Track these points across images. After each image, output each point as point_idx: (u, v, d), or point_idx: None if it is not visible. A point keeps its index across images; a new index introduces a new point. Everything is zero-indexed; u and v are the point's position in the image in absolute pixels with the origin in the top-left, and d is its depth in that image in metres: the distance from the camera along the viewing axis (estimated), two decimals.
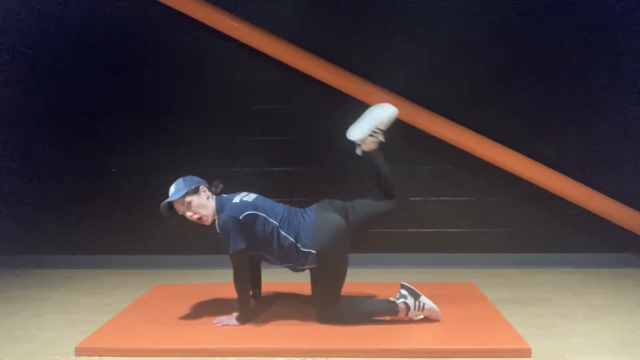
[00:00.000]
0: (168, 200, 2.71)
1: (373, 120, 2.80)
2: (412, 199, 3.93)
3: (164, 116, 4.02)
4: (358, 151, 2.87)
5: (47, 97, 4.06)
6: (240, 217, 2.65)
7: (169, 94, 4.01)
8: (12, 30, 4.03)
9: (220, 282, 3.43)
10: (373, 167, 2.86)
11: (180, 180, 2.74)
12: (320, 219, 2.70)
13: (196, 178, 2.79)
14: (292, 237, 2.67)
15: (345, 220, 2.72)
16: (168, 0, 3.81)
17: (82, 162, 4.08)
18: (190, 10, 3.80)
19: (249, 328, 2.70)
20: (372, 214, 2.82)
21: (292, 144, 3.99)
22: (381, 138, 2.82)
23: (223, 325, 2.72)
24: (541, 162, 3.75)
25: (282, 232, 2.68)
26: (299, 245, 2.66)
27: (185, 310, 2.98)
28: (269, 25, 3.81)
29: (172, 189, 2.73)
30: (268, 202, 2.80)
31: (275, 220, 2.69)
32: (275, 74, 3.90)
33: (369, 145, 2.82)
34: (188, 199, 2.69)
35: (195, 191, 2.72)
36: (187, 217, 2.73)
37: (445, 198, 3.96)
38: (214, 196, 2.79)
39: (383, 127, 2.81)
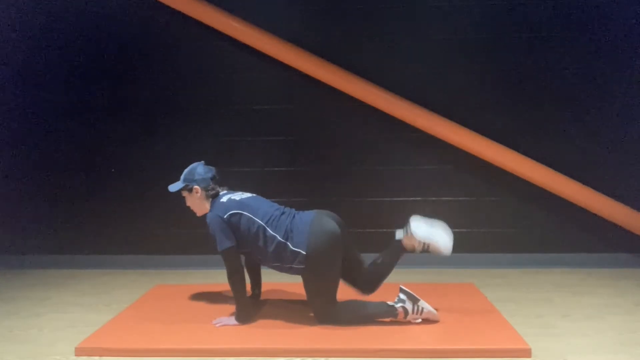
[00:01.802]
0: (169, 188, 2.88)
1: (434, 239, 2.77)
2: (412, 199, 3.94)
3: (164, 116, 4.02)
4: (398, 235, 2.87)
5: (47, 97, 4.06)
6: (225, 217, 2.68)
7: (169, 94, 4.01)
8: (12, 30, 4.03)
9: (220, 282, 3.42)
10: (387, 257, 2.86)
11: (189, 169, 2.88)
12: (317, 221, 2.69)
13: (202, 174, 2.83)
14: (280, 236, 2.67)
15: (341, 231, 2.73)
16: (168, 1, 3.81)
17: (82, 162, 4.08)
18: (191, 11, 3.80)
19: (249, 328, 2.70)
20: (351, 259, 2.81)
21: (292, 144, 3.99)
22: (418, 250, 2.82)
23: (223, 325, 2.72)
24: (541, 162, 3.75)
25: (269, 230, 2.68)
26: (288, 243, 2.66)
27: (185, 310, 2.98)
28: (269, 25, 3.82)
29: (185, 171, 2.88)
30: (258, 202, 2.81)
31: (262, 220, 2.70)
32: (275, 74, 3.90)
33: (410, 242, 2.81)
34: (183, 194, 2.88)
35: (189, 190, 2.83)
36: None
37: (445, 198, 3.96)
38: (208, 197, 2.83)
39: (428, 250, 2.80)
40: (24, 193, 4.14)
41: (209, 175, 2.84)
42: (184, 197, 2.89)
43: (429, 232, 2.79)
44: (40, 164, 4.11)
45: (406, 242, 2.83)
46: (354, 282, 2.86)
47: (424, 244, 2.79)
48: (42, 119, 4.08)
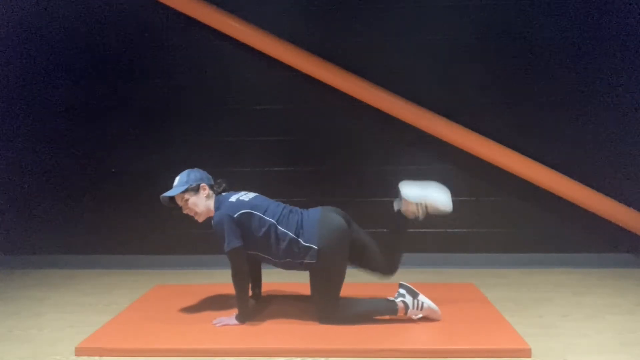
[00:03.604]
0: (168, 194, 2.76)
1: (429, 198, 2.76)
2: None
3: (164, 116, 4.02)
4: (396, 205, 2.86)
5: (48, 97, 4.06)
6: (235, 216, 2.67)
7: (169, 94, 4.01)
8: (13, 29, 4.03)
9: (220, 282, 3.43)
10: (396, 229, 2.87)
11: (184, 174, 2.80)
12: (325, 217, 2.72)
13: (201, 174, 2.82)
14: (292, 232, 2.68)
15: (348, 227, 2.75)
16: (168, 1, 3.81)
17: (82, 162, 4.08)
18: (191, 11, 3.80)
19: (249, 328, 2.70)
20: (364, 246, 2.83)
21: (292, 144, 3.99)
22: (421, 216, 2.79)
23: (223, 325, 2.72)
24: (541, 162, 3.75)
25: (280, 228, 2.69)
26: (300, 239, 2.67)
27: (185, 310, 2.98)
28: (269, 25, 3.82)
29: (176, 180, 2.80)
30: (266, 202, 2.81)
31: (272, 218, 2.70)
32: (275, 74, 3.90)
33: (408, 209, 2.80)
34: (186, 196, 2.76)
35: (196, 189, 2.77)
36: (183, 211, 2.81)
37: None
38: (214, 195, 2.81)
39: (429, 211, 2.79)
40: (23, 193, 4.14)
41: (207, 174, 2.85)
42: (180, 207, 2.80)
43: (422, 193, 2.77)
44: (40, 164, 4.11)
45: (405, 210, 2.81)
46: (374, 268, 2.86)
47: (421, 205, 2.77)
48: (42, 119, 4.08)
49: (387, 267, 2.87)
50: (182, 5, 3.80)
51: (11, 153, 4.13)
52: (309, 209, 2.82)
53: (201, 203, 2.77)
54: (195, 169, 2.85)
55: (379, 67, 3.86)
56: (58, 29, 4.01)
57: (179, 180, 2.79)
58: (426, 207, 2.78)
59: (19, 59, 4.05)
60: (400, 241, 2.89)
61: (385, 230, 2.96)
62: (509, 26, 3.81)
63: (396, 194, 2.85)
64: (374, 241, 2.89)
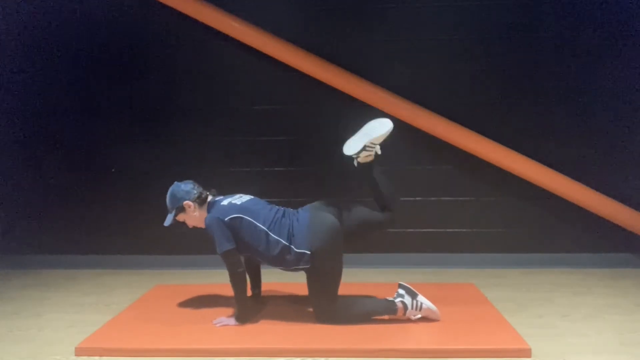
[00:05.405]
0: (165, 224, 2.82)
1: (367, 136, 2.77)
2: (412, 199, 3.94)
3: (164, 116, 4.02)
4: (355, 163, 2.88)
5: (48, 97, 4.06)
6: (226, 219, 2.67)
7: (169, 94, 4.01)
8: (13, 29, 4.03)
9: (220, 282, 3.42)
10: (368, 180, 2.87)
11: (168, 196, 2.83)
12: (314, 219, 2.70)
13: (184, 189, 2.80)
14: (284, 240, 2.67)
15: (339, 221, 2.73)
16: (169, 1, 3.81)
17: (82, 162, 4.08)
18: (191, 11, 3.80)
19: (249, 328, 2.70)
20: (365, 221, 2.84)
21: (292, 144, 3.99)
22: (377, 150, 2.81)
23: (223, 325, 2.73)
24: (541, 162, 3.75)
25: (272, 235, 2.68)
26: (292, 246, 2.66)
27: (185, 310, 2.98)
28: (269, 25, 3.82)
29: (167, 201, 2.83)
30: (259, 205, 2.80)
31: (264, 224, 2.69)
32: (275, 73, 3.90)
33: (364, 158, 2.83)
34: (179, 218, 2.83)
35: (181, 210, 2.79)
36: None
37: (445, 198, 3.96)
38: (204, 203, 2.82)
39: (377, 142, 2.80)
40: (24, 193, 4.14)
41: (189, 186, 2.82)
42: (184, 223, 2.86)
43: (360, 139, 2.78)
44: (40, 164, 4.11)
45: (362, 160, 2.84)
46: (379, 223, 2.85)
47: (369, 147, 2.77)
48: (42, 119, 4.08)
49: (387, 214, 2.84)
50: (182, 5, 3.80)
51: (11, 153, 4.12)
52: (300, 210, 2.81)
53: (193, 218, 2.81)
54: (179, 185, 2.83)
55: (379, 67, 3.85)
56: (57, 28, 4.00)
57: (168, 204, 2.82)
58: (372, 143, 2.77)
59: (19, 59, 4.05)
60: (381, 181, 2.85)
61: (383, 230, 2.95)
62: (508, 26, 3.81)
63: (348, 159, 2.86)
64: (360, 207, 2.87)
